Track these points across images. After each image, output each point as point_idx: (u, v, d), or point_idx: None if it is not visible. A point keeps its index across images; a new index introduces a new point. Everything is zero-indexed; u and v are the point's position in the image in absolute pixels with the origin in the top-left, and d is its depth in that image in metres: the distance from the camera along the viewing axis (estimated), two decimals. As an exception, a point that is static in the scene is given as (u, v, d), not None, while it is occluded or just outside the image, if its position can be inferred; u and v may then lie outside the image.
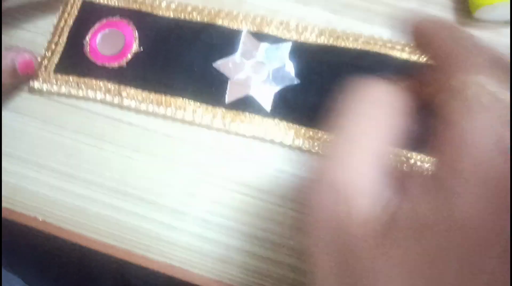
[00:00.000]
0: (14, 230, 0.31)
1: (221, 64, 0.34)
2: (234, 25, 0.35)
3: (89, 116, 0.34)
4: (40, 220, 0.31)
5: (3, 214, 0.31)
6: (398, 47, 0.33)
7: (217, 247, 0.31)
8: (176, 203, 0.32)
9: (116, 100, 0.34)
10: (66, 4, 0.36)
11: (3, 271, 0.32)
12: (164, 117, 0.33)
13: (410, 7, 0.35)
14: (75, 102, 0.34)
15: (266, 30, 0.35)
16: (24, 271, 0.33)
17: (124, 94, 0.34)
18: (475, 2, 0.32)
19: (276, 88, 0.33)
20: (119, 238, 0.31)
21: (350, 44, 0.34)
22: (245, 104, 0.33)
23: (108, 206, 0.31)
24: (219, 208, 0.31)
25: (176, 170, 0.32)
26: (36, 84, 0.34)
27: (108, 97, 0.34)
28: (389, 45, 0.33)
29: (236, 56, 0.34)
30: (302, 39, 0.34)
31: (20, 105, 0.34)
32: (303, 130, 0.32)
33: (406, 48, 0.33)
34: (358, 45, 0.34)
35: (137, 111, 0.34)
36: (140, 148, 0.33)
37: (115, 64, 0.34)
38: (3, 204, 0.32)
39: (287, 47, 0.34)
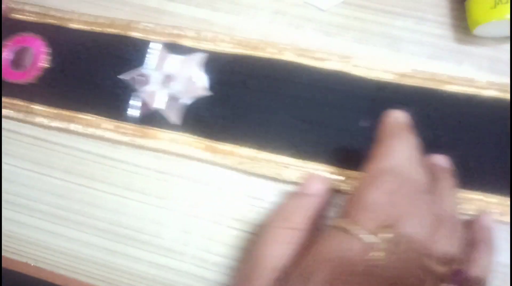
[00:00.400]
0: (6, 277, 0.30)
1: (129, 77, 0.33)
2: (146, 37, 0.34)
3: (78, 154, 0.33)
4: (32, 265, 0.31)
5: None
6: (312, 55, 0.32)
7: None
8: (171, 242, 0.31)
9: (28, 117, 0.34)
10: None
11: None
12: (77, 134, 0.33)
13: (406, 26, 0.34)
14: (64, 141, 0.33)
15: (179, 41, 0.34)
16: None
17: (35, 111, 0.34)
18: (473, 19, 0.31)
19: (187, 101, 0.32)
20: (113, 281, 0.30)
21: (266, 54, 0.33)
22: (153, 118, 0.32)
23: (101, 249, 0.31)
24: (216, 246, 0.30)
25: (170, 208, 0.31)
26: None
27: (20, 115, 0.34)
28: (294, 52, 0.33)
29: (145, 68, 0.33)
30: (216, 49, 0.33)
31: (7, 147, 0.34)
32: (214, 143, 0.31)
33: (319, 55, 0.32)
34: (274, 55, 0.33)
35: (49, 128, 0.34)
36: (131, 186, 0.32)
37: (25, 81, 0.34)
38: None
39: (200, 58, 0.33)
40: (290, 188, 0.31)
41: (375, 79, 0.32)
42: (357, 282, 0.20)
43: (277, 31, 0.34)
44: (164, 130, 0.32)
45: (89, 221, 0.32)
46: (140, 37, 0.34)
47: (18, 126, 0.34)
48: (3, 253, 0.32)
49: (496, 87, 0.31)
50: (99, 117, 0.33)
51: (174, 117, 0.32)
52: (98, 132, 0.33)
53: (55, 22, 0.35)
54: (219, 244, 0.31)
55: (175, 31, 0.34)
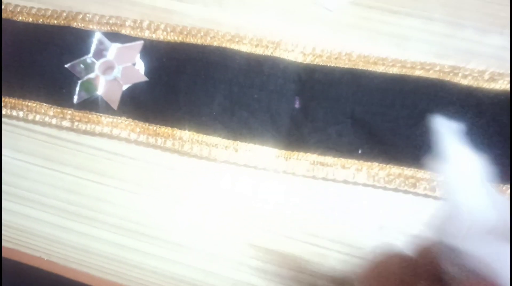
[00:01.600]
0: (19, 270, 0.31)
1: (73, 66, 0.34)
2: (88, 27, 0.35)
3: (89, 151, 0.33)
4: (45, 259, 0.31)
5: (8, 255, 0.31)
6: (245, 41, 0.34)
7: (222, 280, 0.30)
8: (180, 237, 0.31)
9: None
10: None
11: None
12: (17, 119, 0.35)
13: (413, 25, 0.34)
14: (75, 138, 0.34)
15: (120, 30, 0.35)
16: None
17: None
18: None
19: (124, 87, 0.33)
20: (123, 275, 0.31)
21: (198, 41, 0.34)
22: (93, 104, 0.34)
23: (111, 243, 0.31)
24: (224, 241, 0.31)
25: (179, 203, 0.32)
26: None
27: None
28: (228, 37, 0.34)
29: (88, 57, 0.34)
30: (154, 37, 0.34)
31: (19, 144, 0.35)
32: (148, 126, 0.33)
33: (254, 41, 0.34)
34: (206, 41, 0.34)
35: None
36: (141, 182, 0.32)
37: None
38: (8, 245, 0.32)
39: (138, 46, 0.34)
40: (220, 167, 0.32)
41: (305, 62, 0.33)
42: None
43: (285, 31, 0.35)
44: (105, 115, 0.34)
45: (100, 216, 0.33)
46: (82, 27, 0.35)
47: (31, 124, 0.35)
48: (16, 248, 0.33)
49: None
50: (43, 103, 0.35)
51: (113, 102, 0.33)
52: (39, 117, 0.34)
53: (4, 15, 0.37)
54: (225, 239, 0.31)
55: (115, 21, 0.35)
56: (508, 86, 0.31)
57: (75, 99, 0.34)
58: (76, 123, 0.34)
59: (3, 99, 0.35)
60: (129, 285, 0.31)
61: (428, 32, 0.33)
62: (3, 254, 0.33)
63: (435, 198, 0.31)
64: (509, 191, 0.30)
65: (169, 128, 0.33)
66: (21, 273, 0.32)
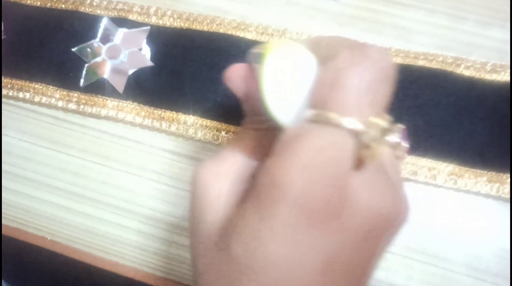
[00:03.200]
0: (23, 249, 0.31)
1: (80, 49, 0.35)
2: (96, 12, 0.36)
3: (95, 134, 0.34)
4: (49, 239, 0.32)
5: (12, 234, 0.32)
6: (250, 28, 0.34)
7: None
8: (183, 220, 0.31)
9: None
10: None
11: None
12: (24, 100, 0.36)
13: (416, 17, 0.34)
14: (82, 121, 0.34)
15: (127, 15, 0.35)
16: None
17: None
18: None
19: (130, 71, 0.34)
20: (126, 256, 0.31)
21: (204, 27, 0.34)
22: (99, 87, 0.34)
23: (115, 225, 0.32)
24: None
25: (183, 188, 0.32)
26: None
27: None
28: (234, 24, 0.34)
29: (95, 41, 0.35)
30: (161, 23, 0.35)
31: (26, 126, 0.35)
32: (153, 110, 0.34)
33: (259, 29, 0.34)
34: (212, 28, 0.34)
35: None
36: (145, 166, 0.33)
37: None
38: (12, 224, 0.32)
39: (145, 31, 0.34)
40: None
41: None
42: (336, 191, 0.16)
43: (289, 21, 0.35)
44: (111, 99, 0.34)
45: (103, 198, 0.33)
46: (90, 12, 0.36)
47: (37, 106, 0.36)
48: (20, 227, 0.33)
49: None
50: (49, 86, 0.35)
51: (118, 86, 0.34)
52: (46, 99, 0.35)
53: None
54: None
55: (122, 6, 0.36)
56: (509, 78, 0.32)
57: (82, 82, 0.34)
58: (82, 106, 0.34)
59: (10, 80, 0.36)
60: (131, 265, 0.32)
61: (430, 24, 0.34)
62: (8, 233, 0.33)
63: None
64: (509, 180, 0.30)
65: (174, 112, 0.33)
66: (25, 252, 0.33)
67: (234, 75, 0.21)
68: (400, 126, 0.19)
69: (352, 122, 0.16)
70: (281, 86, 0.18)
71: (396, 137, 0.18)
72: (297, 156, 0.16)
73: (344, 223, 0.16)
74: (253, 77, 0.20)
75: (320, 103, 0.17)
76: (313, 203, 0.15)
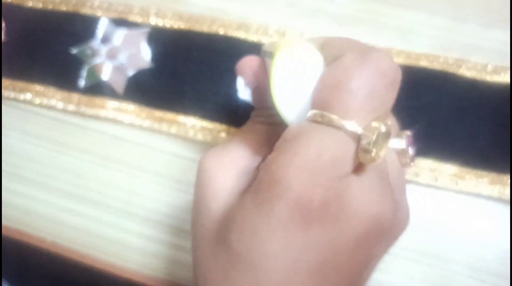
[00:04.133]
0: (23, 251, 0.31)
1: (80, 51, 0.35)
2: (96, 13, 0.36)
3: (95, 135, 0.34)
4: (49, 241, 0.32)
5: (12, 235, 0.32)
6: (251, 29, 0.34)
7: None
8: (184, 222, 0.31)
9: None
10: None
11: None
12: (25, 102, 0.36)
13: (417, 19, 0.34)
14: (82, 122, 0.34)
15: (127, 17, 0.35)
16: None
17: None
18: None
19: (130, 72, 0.34)
20: (127, 258, 0.31)
21: (204, 28, 0.34)
22: (99, 88, 0.34)
23: (116, 227, 0.32)
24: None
25: (185, 191, 0.32)
26: None
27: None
28: (235, 26, 0.34)
29: (95, 42, 0.35)
30: (161, 25, 0.35)
31: (27, 126, 0.35)
32: (153, 112, 0.34)
33: (260, 30, 0.34)
34: (212, 29, 0.34)
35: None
36: (145, 167, 0.33)
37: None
38: (13, 225, 0.32)
39: (145, 33, 0.34)
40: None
41: None
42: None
43: (290, 22, 0.35)
44: (111, 100, 0.34)
45: (104, 199, 0.33)
46: (90, 14, 0.36)
47: (38, 108, 0.36)
48: (21, 228, 0.33)
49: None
50: (49, 87, 0.35)
51: (118, 87, 0.34)
52: (46, 101, 0.35)
53: (15, 1, 0.38)
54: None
55: (123, 8, 0.36)
56: (510, 79, 0.32)
57: (82, 83, 0.34)
58: (82, 107, 0.34)
59: (11, 82, 0.36)
60: (131, 267, 0.32)
61: (432, 26, 0.34)
62: (8, 234, 0.33)
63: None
64: (509, 181, 0.30)
65: (174, 114, 0.33)
66: (25, 253, 0.33)
67: (246, 67, 0.21)
68: (407, 133, 0.19)
69: (353, 125, 0.16)
70: (289, 83, 0.18)
71: (402, 143, 0.18)
72: (297, 155, 0.16)
73: (341, 227, 0.16)
74: (264, 70, 0.20)
75: (323, 104, 0.17)
76: (310, 204, 0.15)
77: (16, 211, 0.34)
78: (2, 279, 0.33)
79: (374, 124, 0.16)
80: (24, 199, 0.34)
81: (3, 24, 0.36)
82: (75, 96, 0.35)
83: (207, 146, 0.33)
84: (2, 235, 0.33)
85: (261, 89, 0.20)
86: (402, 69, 0.32)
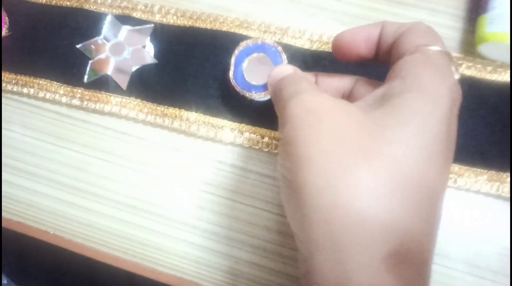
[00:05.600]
0: (25, 244, 0.31)
1: (84, 46, 0.35)
2: (100, 9, 0.36)
3: (97, 130, 0.34)
4: (51, 233, 0.32)
5: (15, 228, 0.32)
6: (253, 26, 0.34)
7: (226, 260, 0.30)
8: (185, 216, 0.32)
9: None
10: None
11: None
12: (28, 96, 0.36)
13: (418, 16, 0.34)
14: (84, 117, 0.34)
15: (131, 13, 0.36)
16: (35, 284, 0.34)
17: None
18: (480, 36, 0.31)
19: (134, 68, 0.34)
20: (128, 251, 0.31)
21: (207, 25, 0.34)
22: (103, 83, 0.35)
23: (117, 220, 0.32)
24: (227, 220, 0.31)
25: (185, 184, 0.32)
26: None
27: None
28: (237, 23, 0.35)
29: (99, 38, 0.35)
30: (165, 21, 0.35)
31: (29, 121, 0.35)
32: (156, 107, 0.34)
33: (262, 27, 0.34)
34: (215, 26, 0.35)
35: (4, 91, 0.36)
36: (148, 162, 0.33)
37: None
38: (15, 218, 0.32)
39: (148, 29, 0.35)
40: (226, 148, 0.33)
41: (312, 49, 0.34)
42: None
43: (292, 19, 0.35)
44: (114, 95, 0.34)
45: (106, 193, 0.33)
46: (94, 10, 0.36)
47: (41, 102, 0.36)
48: (23, 221, 0.33)
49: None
50: (53, 82, 0.35)
51: (122, 83, 0.34)
52: (50, 95, 0.35)
53: None
54: (229, 218, 0.32)
55: (126, 4, 0.36)
56: (509, 78, 0.32)
57: (85, 78, 0.35)
58: (85, 102, 0.35)
59: (14, 76, 0.36)
60: (132, 260, 0.32)
61: (433, 23, 0.34)
62: (10, 227, 0.33)
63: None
64: (509, 179, 0.30)
65: (177, 109, 0.34)
66: (27, 246, 0.33)
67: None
68: None
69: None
70: None
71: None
72: None
73: None
74: None
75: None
76: None
77: (18, 205, 0.34)
78: (2, 274, 0.33)
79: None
80: (26, 192, 0.34)
81: (6, 19, 0.36)
82: (79, 91, 0.35)
83: (209, 141, 0.33)
84: (3, 228, 0.33)
85: None
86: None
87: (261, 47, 0.29)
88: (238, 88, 0.28)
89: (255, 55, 0.29)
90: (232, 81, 0.29)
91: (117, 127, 0.35)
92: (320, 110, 0.19)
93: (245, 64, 0.29)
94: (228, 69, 0.33)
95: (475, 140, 0.31)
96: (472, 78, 0.32)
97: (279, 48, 0.28)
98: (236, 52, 0.29)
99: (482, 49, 0.31)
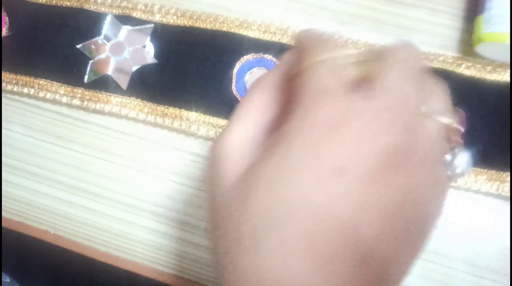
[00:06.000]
0: (25, 243, 0.31)
1: (84, 46, 0.35)
2: (100, 9, 0.36)
3: (97, 130, 0.34)
4: (51, 233, 0.32)
5: (15, 228, 0.32)
6: (253, 26, 0.34)
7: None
8: (185, 216, 0.32)
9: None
10: None
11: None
12: (28, 96, 0.36)
13: (418, 16, 0.34)
14: (84, 117, 0.34)
15: (131, 13, 0.36)
16: (35, 284, 0.34)
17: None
18: (477, 36, 0.31)
19: (134, 68, 0.34)
20: (128, 250, 0.31)
21: (207, 25, 0.34)
22: (103, 83, 0.35)
23: (117, 219, 0.32)
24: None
25: (184, 184, 0.32)
26: None
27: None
28: (237, 22, 0.35)
29: (99, 38, 0.35)
30: (165, 21, 0.35)
31: (30, 121, 0.35)
32: (156, 107, 0.34)
33: (262, 27, 0.34)
34: (215, 26, 0.35)
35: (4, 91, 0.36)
36: (148, 161, 0.33)
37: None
38: (15, 218, 0.32)
39: (148, 29, 0.35)
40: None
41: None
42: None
43: (292, 19, 0.35)
44: (115, 95, 0.34)
45: (106, 193, 0.33)
46: (94, 10, 0.36)
47: (41, 102, 0.36)
48: (24, 221, 0.33)
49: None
50: (53, 82, 0.36)
51: (122, 82, 0.34)
52: (50, 95, 0.35)
53: None
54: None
55: (127, 4, 0.36)
56: (509, 78, 0.32)
57: (86, 78, 0.35)
58: (86, 102, 0.35)
59: (15, 76, 0.36)
60: (133, 260, 0.32)
61: (432, 23, 0.34)
62: (10, 227, 0.33)
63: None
64: (509, 178, 0.30)
65: (177, 109, 0.34)
66: (27, 246, 0.33)
67: None
68: (460, 110, 0.18)
69: None
70: None
71: (451, 118, 0.17)
72: None
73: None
74: None
75: None
76: None
77: (18, 204, 0.34)
78: (3, 272, 0.33)
79: None
80: (26, 192, 0.34)
81: (6, 19, 0.37)
82: (79, 91, 0.35)
83: (209, 141, 0.33)
84: (3, 228, 0.33)
85: None
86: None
87: (261, 61, 0.29)
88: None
89: (255, 69, 0.29)
90: (236, 93, 0.29)
91: (117, 127, 0.35)
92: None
93: (247, 77, 0.29)
94: (228, 70, 0.33)
95: (475, 139, 0.31)
96: (472, 78, 0.32)
97: (278, 63, 0.29)
98: (238, 65, 0.29)
99: (480, 49, 0.32)
